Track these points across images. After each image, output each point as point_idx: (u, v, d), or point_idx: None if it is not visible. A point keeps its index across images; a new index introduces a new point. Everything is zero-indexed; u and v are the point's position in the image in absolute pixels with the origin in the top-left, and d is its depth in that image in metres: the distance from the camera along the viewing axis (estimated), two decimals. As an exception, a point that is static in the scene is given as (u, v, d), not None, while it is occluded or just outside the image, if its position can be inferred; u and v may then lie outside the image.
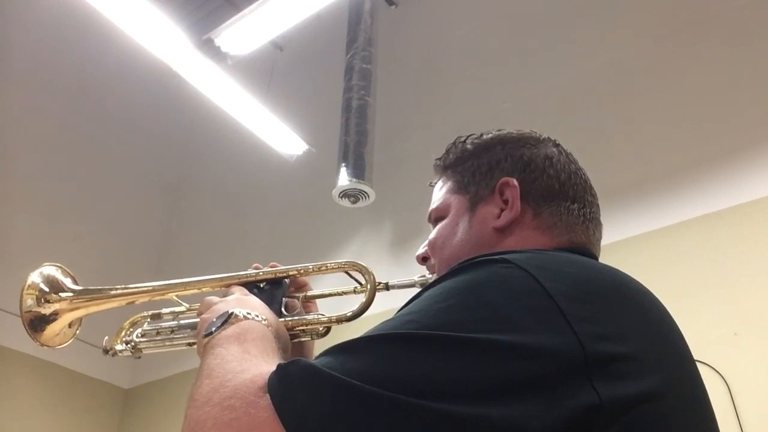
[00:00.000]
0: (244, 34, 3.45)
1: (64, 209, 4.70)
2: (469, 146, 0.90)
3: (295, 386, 0.53)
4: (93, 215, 4.85)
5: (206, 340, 0.73)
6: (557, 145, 0.88)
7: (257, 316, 0.77)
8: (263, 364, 0.63)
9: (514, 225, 0.80)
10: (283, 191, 4.66)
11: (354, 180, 3.48)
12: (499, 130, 0.90)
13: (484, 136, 0.90)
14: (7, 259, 3.97)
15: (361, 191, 3.55)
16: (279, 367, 0.57)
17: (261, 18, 3.34)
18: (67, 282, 1.04)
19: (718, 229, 2.71)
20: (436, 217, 0.89)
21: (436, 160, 0.94)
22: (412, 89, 4.39)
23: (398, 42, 4.54)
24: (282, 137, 4.14)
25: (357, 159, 3.54)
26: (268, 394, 0.54)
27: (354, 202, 3.63)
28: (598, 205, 0.86)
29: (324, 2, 3.28)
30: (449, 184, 0.90)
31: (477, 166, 0.87)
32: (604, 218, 0.87)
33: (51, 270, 1.03)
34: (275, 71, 4.78)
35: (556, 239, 0.79)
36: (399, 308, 0.62)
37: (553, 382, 0.52)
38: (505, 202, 0.81)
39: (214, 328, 0.74)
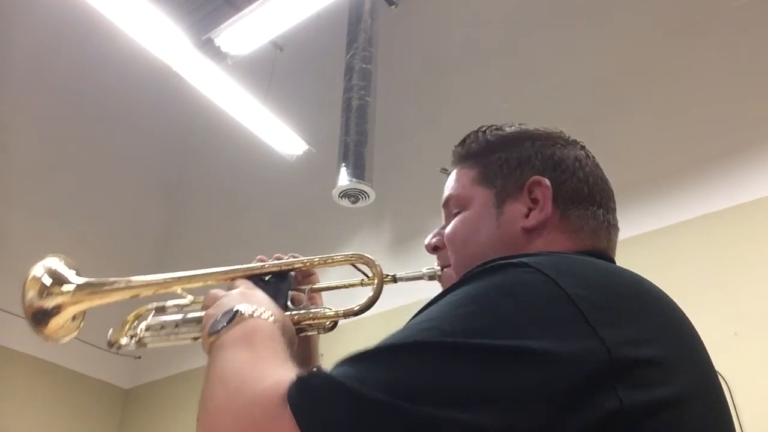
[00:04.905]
0: (244, 34, 3.45)
1: (64, 209, 4.70)
2: (490, 137, 0.86)
3: (317, 401, 0.52)
4: (93, 215, 4.85)
5: (212, 338, 0.72)
6: (584, 148, 0.86)
7: (263, 312, 0.75)
8: (278, 369, 0.62)
9: (542, 226, 0.78)
10: (283, 191, 4.66)
11: (354, 180, 3.48)
12: (521, 125, 0.87)
13: (507, 129, 0.87)
14: (7, 259, 3.96)
15: (361, 191, 3.55)
16: (299, 379, 0.55)
17: (261, 18, 3.34)
18: (71, 274, 1.00)
19: (718, 229, 2.70)
20: (455, 206, 0.86)
21: (456, 147, 0.90)
22: (412, 89, 4.39)
23: (398, 42, 4.54)
24: (282, 137, 4.14)
25: (357, 159, 3.53)
26: (289, 407, 0.53)
27: (354, 202, 3.63)
28: (616, 213, 0.84)
29: (324, 2, 3.28)
30: (472, 173, 0.85)
31: (505, 159, 0.83)
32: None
33: (53, 261, 1.00)
34: (275, 71, 4.78)
35: (579, 243, 0.78)
36: (415, 313, 0.61)
37: (578, 389, 0.51)
38: (533, 201, 0.79)
39: (220, 326, 0.72)
